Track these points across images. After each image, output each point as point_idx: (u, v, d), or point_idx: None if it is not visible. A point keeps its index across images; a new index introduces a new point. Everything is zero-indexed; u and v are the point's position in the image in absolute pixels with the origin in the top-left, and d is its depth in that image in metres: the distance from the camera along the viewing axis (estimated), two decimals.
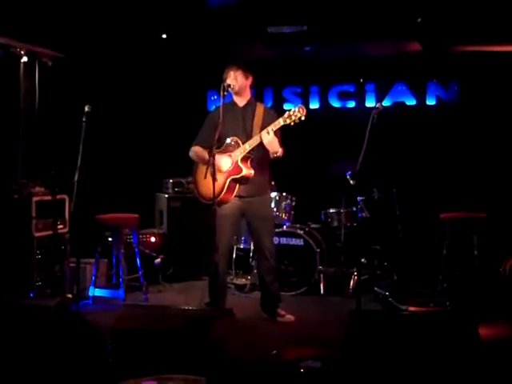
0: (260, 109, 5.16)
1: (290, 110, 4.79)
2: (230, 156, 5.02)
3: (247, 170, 4.99)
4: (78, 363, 3.13)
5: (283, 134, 5.11)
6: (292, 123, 4.78)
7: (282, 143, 5.05)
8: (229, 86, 5.04)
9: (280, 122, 4.80)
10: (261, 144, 4.92)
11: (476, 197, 6.71)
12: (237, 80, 5.11)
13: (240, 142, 5.00)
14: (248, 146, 4.96)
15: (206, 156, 4.99)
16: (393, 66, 7.43)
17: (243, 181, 5.03)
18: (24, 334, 3.26)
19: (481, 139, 7.08)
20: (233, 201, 5.08)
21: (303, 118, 4.75)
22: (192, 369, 2.91)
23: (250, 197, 5.11)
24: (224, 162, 5.01)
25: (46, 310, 3.85)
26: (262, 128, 4.96)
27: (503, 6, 5.75)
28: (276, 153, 4.91)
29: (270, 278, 5.25)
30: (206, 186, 5.00)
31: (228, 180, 4.99)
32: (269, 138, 4.83)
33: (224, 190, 4.98)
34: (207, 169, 4.87)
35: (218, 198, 4.91)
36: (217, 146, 4.90)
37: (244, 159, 4.99)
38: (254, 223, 5.21)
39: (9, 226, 5.94)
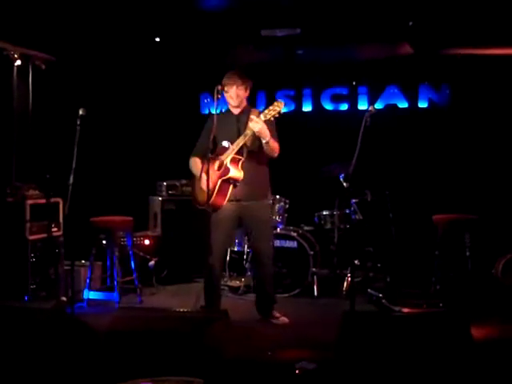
0: (254, 114, 5.11)
1: (268, 106, 4.83)
2: (221, 160, 5.04)
3: (235, 172, 4.96)
4: (74, 365, 3.14)
5: (278, 136, 5.14)
6: (272, 118, 4.81)
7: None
8: (222, 89, 5.01)
9: (261, 117, 4.81)
10: (254, 146, 4.93)
11: (468, 198, 6.75)
12: (238, 95, 5.09)
13: (229, 145, 5.01)
14: (236, 146, 4.95)
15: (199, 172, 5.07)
16: (385, 69, 7.47)
17: (234, 183, 5.00)
18: (19, 337, 3.27)
19: (472, 141, 7.12)
20: (230, 205, 5.06)
21: (282, 112, 4.80)
22: (188, 371, 2.93)
23: (248, 200, 5.09)
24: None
25: (40, 313, 3.86)
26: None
27: (494, 9, 5.79)
28: (265, 138, 4.84)
29: (267, 281, 5.25)
30: (200, 191, 5.04)
31: (218, 182, 4.98)
32: (256, 122, 4.77)
33: (215, 192, 4.96)
34: (200, 175, 4.97)
35: (210, 201, 4.89)
36: (211, 152, 4.94)
37: (233, 161, 4.97)
38: (250, 227, 5.20)
39: (3, 230, 5.94)
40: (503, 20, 5.95)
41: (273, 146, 4.97)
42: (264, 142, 4.88)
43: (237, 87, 5.08)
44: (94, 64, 7.19)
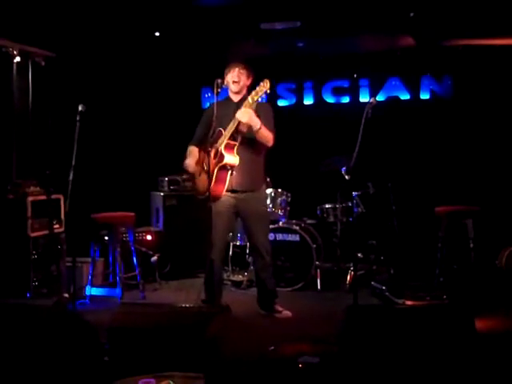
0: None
1: (255, 88, 4.82)
2: (216, 147, 5.04)
3: (231, 157, 4.95)
4: (76, 362, 3.13)
5: (277, 128, 5.12)
6: (259, 99, 4.83)
7: (277, 137, 5.05)
8: (222, 82, 5.00)
9: (248, 100, 4.82)
10: (250, 130, 4.91)
11: (470, 190, 6.73)
12: (240, 78, 5.09)
13: (222, 131, 5.01)
14: (227, 132, 4.96)
15: (193, 162, 5.10)
16: (386, 61, 7.45)
17: (231, 169, 4.98)
18: (21, 334, 3.26)
19: (475, 132, 7.10)
20: (226, 197, 5.07)
21: (268, 91, 4.79)
22: (190, 366, 2.91)
23: (243, 191, 5.09)
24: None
25: (42, 310, 3.85)
26: None
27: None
28: (255, 126, 4.85)
29: (267, 274, 5.25)
30: (201, 181, 5.06)
31: (215, 169, 4.98)
32: (243, 112, 4.80)
33: (213, 180, 4.96)
34: (202, 166, 4.94)
35: (210, 189, 4.87)
36: (211, 142, 4.94)
37: (228, 147, 4.97)
38: (248, 221, 5.20)
39: (4, 227, 5.93)
40: (504, 10, 5.91)
41: (264, 133, 4.95)
42: (254, 129, 4.88)
43: (239, 70, 5.08)
44: (94, 60, 7.18)
